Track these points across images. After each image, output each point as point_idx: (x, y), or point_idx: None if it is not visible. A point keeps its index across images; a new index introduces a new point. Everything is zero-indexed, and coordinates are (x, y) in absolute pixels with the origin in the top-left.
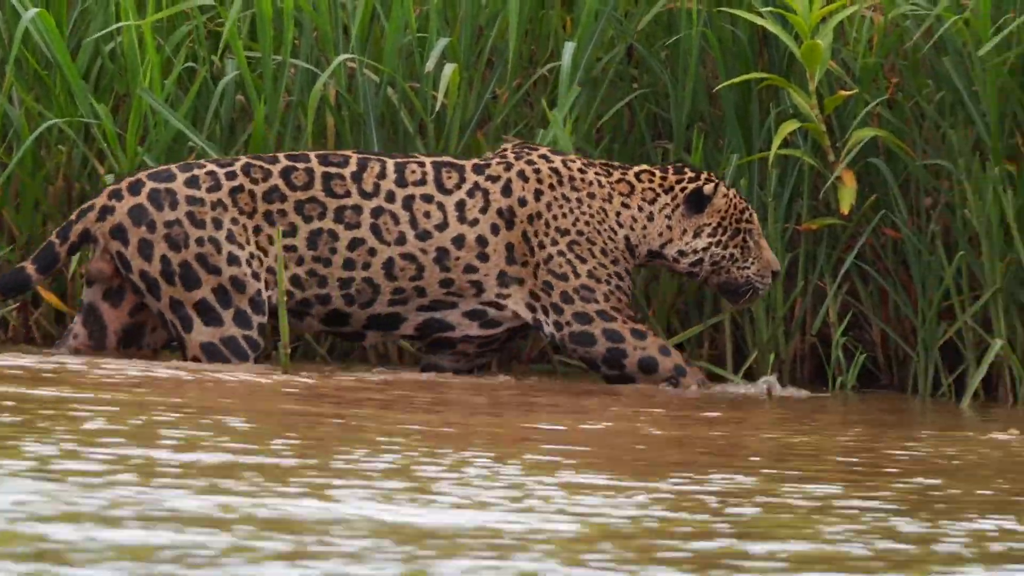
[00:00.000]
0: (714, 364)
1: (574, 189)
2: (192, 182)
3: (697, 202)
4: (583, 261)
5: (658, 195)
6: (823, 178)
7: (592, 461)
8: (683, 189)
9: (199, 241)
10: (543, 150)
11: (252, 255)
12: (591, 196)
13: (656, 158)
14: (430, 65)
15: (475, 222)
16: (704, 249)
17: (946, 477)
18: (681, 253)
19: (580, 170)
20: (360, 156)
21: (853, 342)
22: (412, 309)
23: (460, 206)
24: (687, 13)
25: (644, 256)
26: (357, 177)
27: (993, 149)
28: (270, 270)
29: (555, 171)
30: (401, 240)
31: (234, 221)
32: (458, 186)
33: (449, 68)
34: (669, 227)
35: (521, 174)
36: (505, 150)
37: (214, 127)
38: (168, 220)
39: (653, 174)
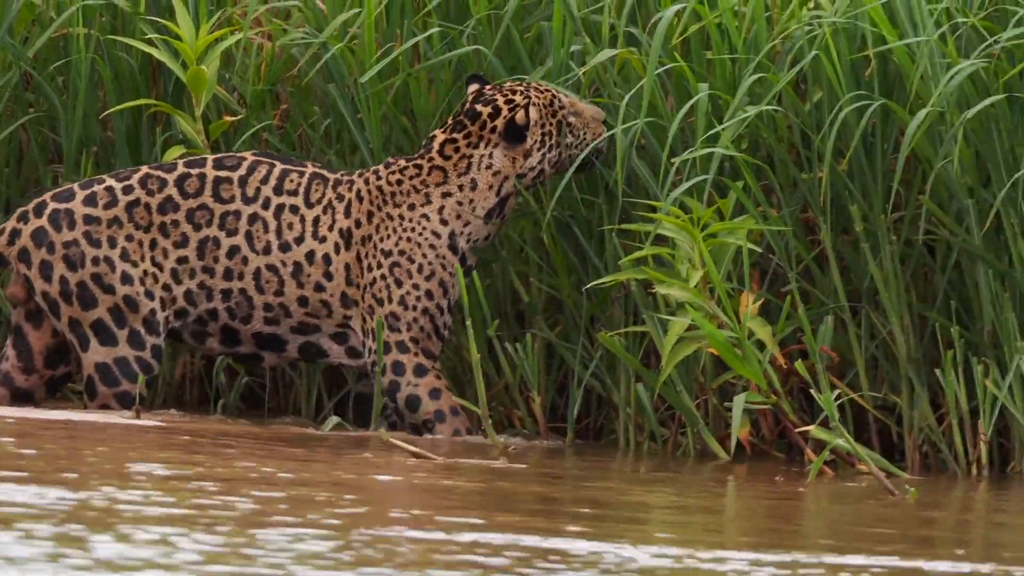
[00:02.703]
0: None
1: (395, 205)
2: (90, 200)
3: (516, 134)
4: (399, 285)
5: (470, 157)
6: None
7: None
8: (492, 130)
9: (95, 261)
10: (389, 164)
11: (146, 272)
12: (411, 207)
13: (48, 182)
14: None
15: (324, 239)
16: (539, 162)
17: None
18: (520, 177)
19: (398, 182)
20: (253, 159)
21: (240, 365)
22: (287, 330)
23: (315, 222)
24: (79, 39)
25: (497, 207)
26: (243, 181)
27: None
28: (166, 287)
29: (380, 189)
30: (267, 250)
31: (129, 238)
32: (319, 201)
33: None
34: (496, 172)
35: (359, 194)
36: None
37: None
38: (66, 241)
39: (455, 140)
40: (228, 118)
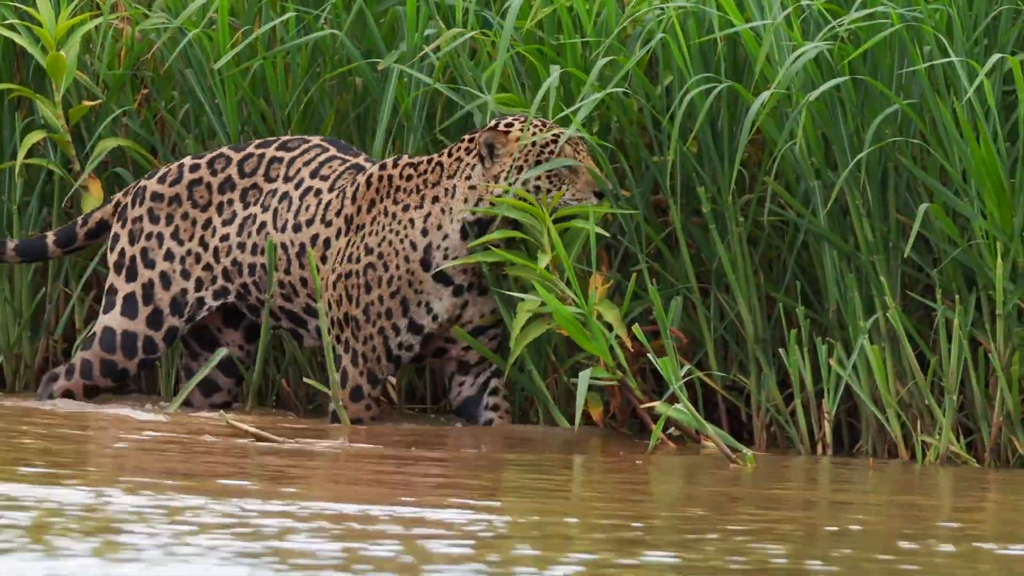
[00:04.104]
0: None
1: (395, 202)
2: (161, 178)
3: (489, 152)
4: (368, 290)
5: (460, 162)
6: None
7: None
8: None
9: (147, 236)
10: (403, 157)
11: (190, 252)
12: (405, 208)
13: None
14: None
15: (329, 223)
16: (505, 192)
17: None
18: (491, 204)
19: (407, 176)
20: (316, 143)
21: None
22: (300, 310)
23: (327, 206)
24: None
25: (475, 225)
26: (291, 162)
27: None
28: (207, 266)
29: (389, 179)
30: (284, 227)
31: (184, 216)
32: (340, 188)
33: None
34: (473, 187)
35: (368, 180)
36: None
37: None
38: (135, 216)
39: (462, 143)
40: (88, 103)
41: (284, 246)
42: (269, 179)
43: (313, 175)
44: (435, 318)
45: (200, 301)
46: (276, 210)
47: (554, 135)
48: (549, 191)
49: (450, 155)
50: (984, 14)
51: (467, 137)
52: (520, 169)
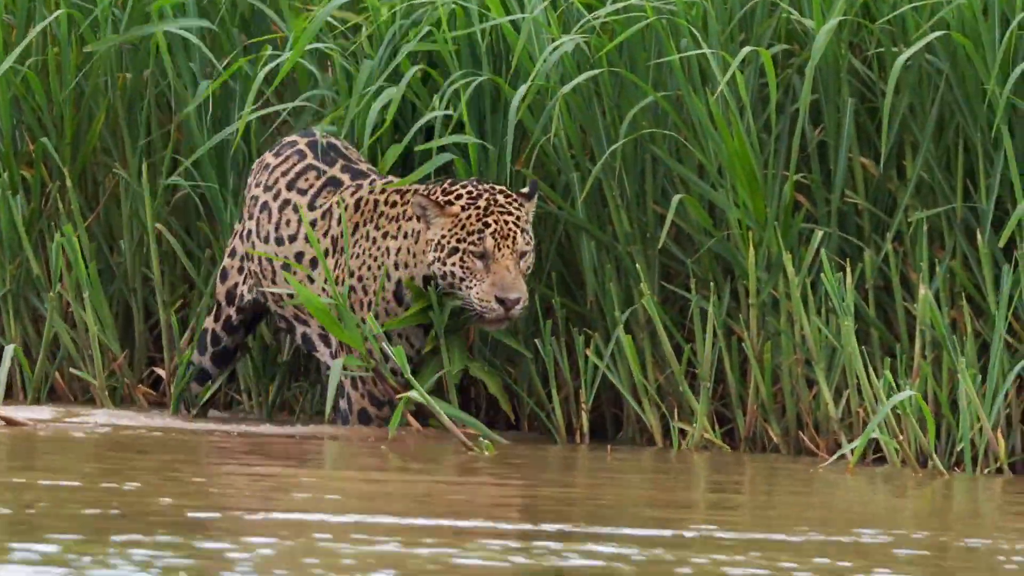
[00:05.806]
0: None
1: (376, 227)
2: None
3: (419, 215)
4: (351, 312)
5: (426, 209)
6: None
7: None
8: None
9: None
10: (377, 179)
11: (241, 245)
12: (385, 235)
13: None
14: None
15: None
16: (429, 264)
17: None
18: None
19: (393, 203)
20: (296, 150)
21: None
22: (290, 316)
23: (312, 225)
24: None
25: (430, 280)
26: (285, 173)
27: (5, 156)
28: (243, 258)
29: (374, 203)
30: (267, 239)
31: (242, 212)
32: (321, 206)
33: None
34: (428, 239)
35: (358, 203)
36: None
37: None
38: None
39: (437, 187)
40: None
41: (270, 259)
42: (259, 184)
43: (290, 187)
44: (412, 345)
45: (242, 296)
46: (258, 220)
47: (483, 224)
48: (463, 279)
49: (429, 194)
50: (739, 7)
51: (439, 188)
52: (442, 248)
